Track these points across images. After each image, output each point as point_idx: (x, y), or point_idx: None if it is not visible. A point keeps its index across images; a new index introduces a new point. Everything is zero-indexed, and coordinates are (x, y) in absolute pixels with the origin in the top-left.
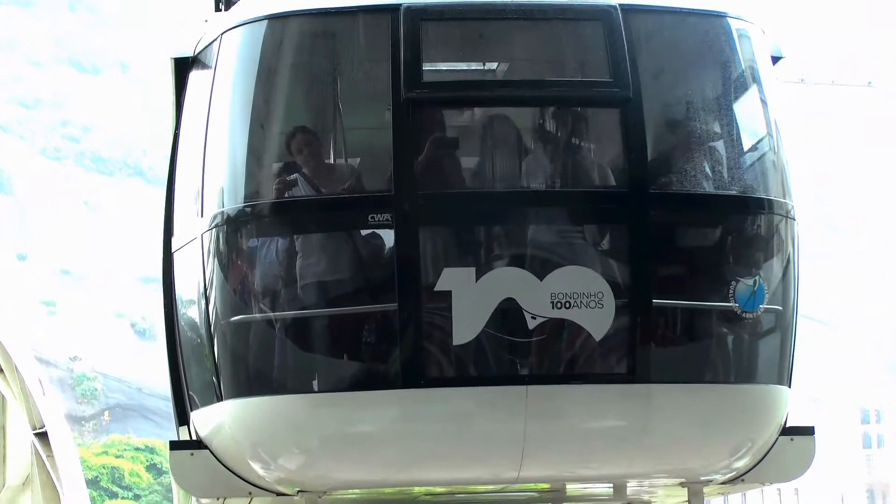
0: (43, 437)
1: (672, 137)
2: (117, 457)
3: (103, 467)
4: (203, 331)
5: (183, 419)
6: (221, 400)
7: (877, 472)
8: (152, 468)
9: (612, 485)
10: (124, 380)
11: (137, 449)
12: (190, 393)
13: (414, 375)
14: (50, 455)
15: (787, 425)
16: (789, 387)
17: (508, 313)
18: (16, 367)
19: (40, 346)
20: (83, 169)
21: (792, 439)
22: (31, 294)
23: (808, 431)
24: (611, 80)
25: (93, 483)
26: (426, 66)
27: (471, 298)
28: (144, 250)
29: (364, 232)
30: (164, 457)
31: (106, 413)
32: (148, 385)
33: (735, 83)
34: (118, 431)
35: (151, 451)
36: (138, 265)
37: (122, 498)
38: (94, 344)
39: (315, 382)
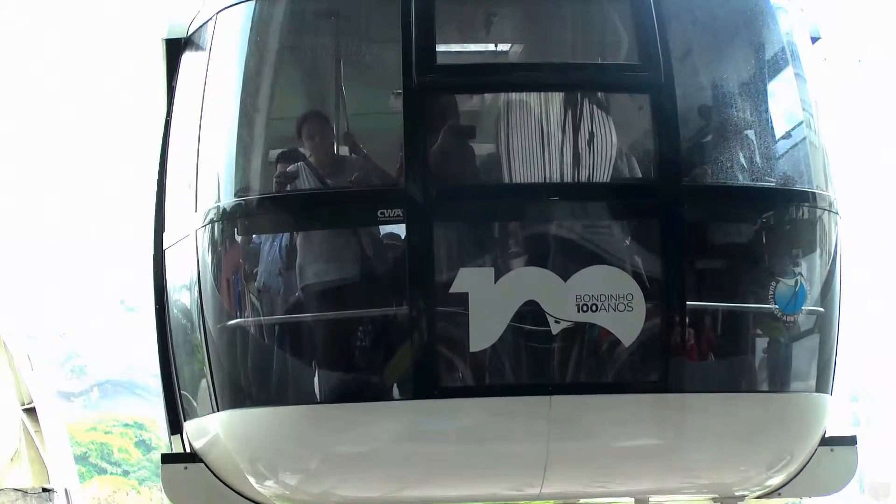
0: (31, 412)
1: (706, 125)
2: (106, 433)
3: (92, 443)
4: (198, 335)
5: (175, 428)
6: (218, 410)
7: (867, 451)
8: (141, 444)
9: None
10: (113, 356)
11: (126, 425)
12: (183, 399)
13: (427, 385)
14: (38, 431)
15: (827, 435)
16: (831, 394)
17: (530, 317)
18: (4, 343)
19: (29, 321)
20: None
21: (832, 450)
22: (22, 270)
23: (850, 441)
24: (640, 63)
25: (81, 459)
26: (439, 49)
27: (489, 301)
28: (133, 227)
29: (373, 228)
30: (154, 433)
31: (95, 389)
32: (137, 361)
33: (774, 66)
34: (107, 408)
35: (140, 427)
36: (128, 241)
37: (111, 474)
38: (83, 320)
39: (319, 392)
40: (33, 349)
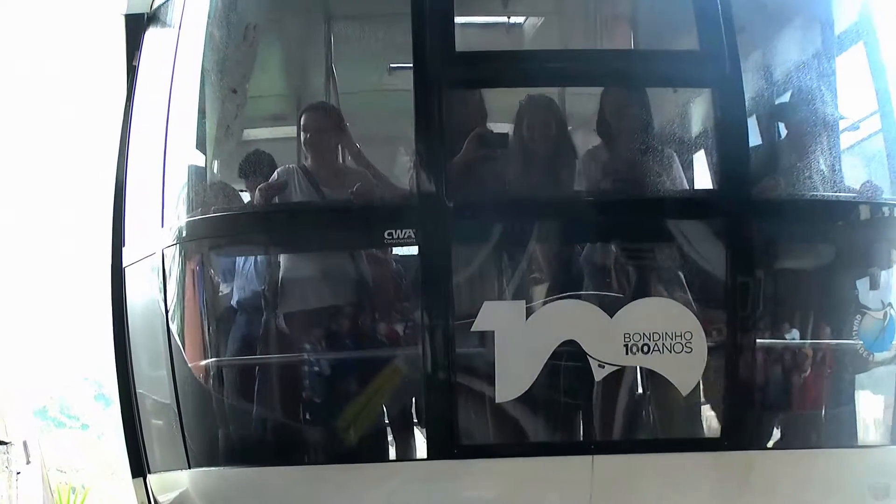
0: None
1: (780, 126)
2: (65, 387)
3: (51, 397)
4: (166, 375)
5: (138, 471)
6: (189, 467)
7: None
8: (101, 398)
9: None
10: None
11: (85, 379)
12: (146, 443)
13: (444, 443)
14: None
15: None
16: None
17: (568, 360)
18: None
19: None
20: None
21: None
22: None
23: None
24: (700, 50)
25: (41, 413)
26: (459, 30)
27: (519, 341)
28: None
29: (379, 253)
30: (113, 387)
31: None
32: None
33: (859, 55)
34: (66, 361)
35: (99, 381)
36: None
37: (70, 428)
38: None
39: (313, 451)
40: None
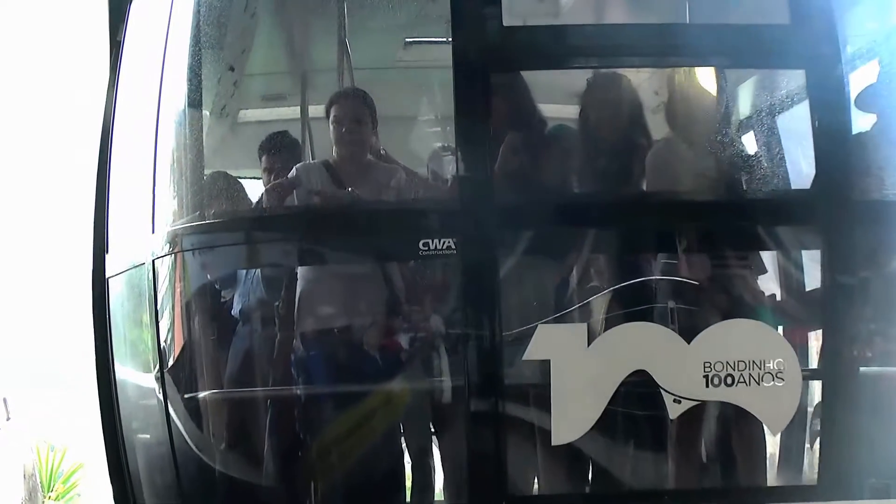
0: None
1: (882, 112)
2: (47, 345)
3: (32, 355)
4: (157, 406)
5: (123, 499)
6: None
7: None
8: (82, 356)
9: None
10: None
11: (69, 340)
12: (133, 478)
13: (492, 492)
14: None
15: None
16: None
17: (638, 395)
18: None
19: None
20: None
21: None
22: None
23: None
24: (791, 24)
25: (21, 370)
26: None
27: (580, 372)
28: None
29: (413, 266)
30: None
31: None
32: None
33: None
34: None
35: (81, 340)
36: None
37: (50, 386)
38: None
39: (333, 499)
40: None
